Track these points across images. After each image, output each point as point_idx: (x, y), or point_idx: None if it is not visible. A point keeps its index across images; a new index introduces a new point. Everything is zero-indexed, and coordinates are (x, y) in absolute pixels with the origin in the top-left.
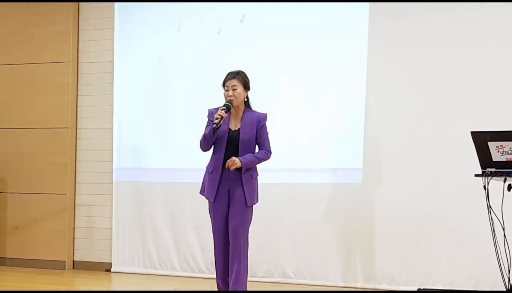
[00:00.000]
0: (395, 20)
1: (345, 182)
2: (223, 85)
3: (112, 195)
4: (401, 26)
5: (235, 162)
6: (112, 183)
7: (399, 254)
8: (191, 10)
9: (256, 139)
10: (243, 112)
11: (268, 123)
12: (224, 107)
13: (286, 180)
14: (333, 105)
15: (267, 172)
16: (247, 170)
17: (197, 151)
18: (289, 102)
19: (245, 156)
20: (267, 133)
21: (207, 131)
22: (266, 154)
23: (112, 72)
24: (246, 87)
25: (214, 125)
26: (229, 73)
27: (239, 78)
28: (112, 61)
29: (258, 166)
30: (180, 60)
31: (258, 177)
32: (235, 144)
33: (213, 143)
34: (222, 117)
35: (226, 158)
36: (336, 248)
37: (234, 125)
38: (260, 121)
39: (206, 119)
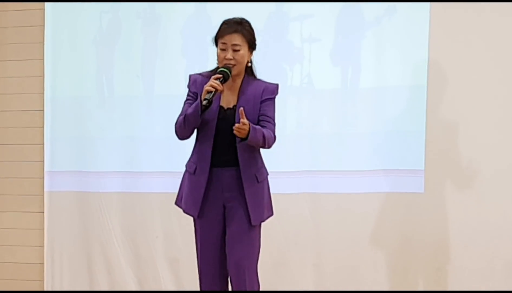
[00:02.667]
0: None
1: (398, 191)
2: (216, 40)
3: (43, 212)
4: None
5: (244, 124)
6: (43, 195)
7: None
8: None
9: (258, 119)
10: (242, 82)
11: (279, 100)
12: (220, 76)
13: (307, 187)
14: (379, 76)
15: (277, 176)
16: (249, 165)
17: (171, 144)
18: (311, 71)
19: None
20: (274, 112)
21: (190, 111)
22: (272, 139)
23: (42, 26)
24: (252, 46)
25: (204, 102)
26: (228, 24)
27: (244, 33)
28: (42, 9)
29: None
30: (143, 5)
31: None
32: (228, 130)
33: (198, 129)
34: (216, 90)
35: (216, 151)
36: (383, 288)
37: (227, 101)
38: (265, 93)
39: (186, 91)
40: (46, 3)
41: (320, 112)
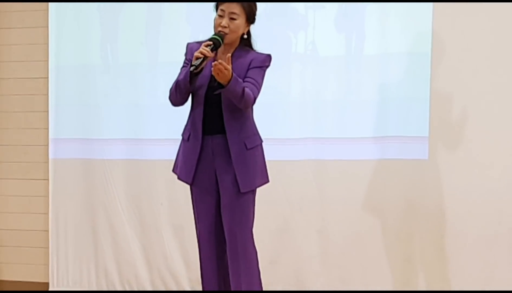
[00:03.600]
0: None
1: (401, 157)
2: (216, 7)
3: (47, 179)
4: None
5: (222, 65)
6: (47, 162)
7: (483, 266)
8: None
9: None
10: (234, 52)
11: (283, 67)
12: (211, 43)
13: (311, 154)
14: (383, 43)
15: (281, 143)
16: (237, 131)
17: (176, 111)
18: (315, 38)
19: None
20: (261, 79)
21: (180, 77)
22: (251, 100)
23: None
24: (250, 18)
25: (192, 68)
26: None
27: (243, 4)
28: None
29: (265, 133)
30: None
31: (263, 146)
32: (216, 100)
33: (192, 96)
34: (205, 57)
35: (207, 118)
36: (387, 256)
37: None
38: (254, 62)
39: (183, 59)
40: None
41: (324, 79)
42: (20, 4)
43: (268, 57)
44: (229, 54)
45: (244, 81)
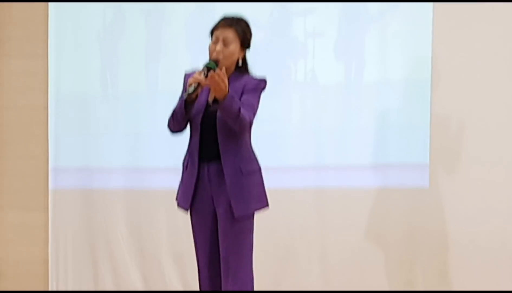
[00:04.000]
0: None
1: (402, 185)
2: (211, 34)
3: (47, 209)
4: None
5: (219, 76)
6: (47, 191)
7: None
8: None
9: None
10: (229, 78)
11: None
12: (205, 69)
13: (312, 182)
14: (383, 70)
15: (281, 171)
16: (231, 156)
17: (176, 140)
18: (315, 66)
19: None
20: (255, 102)
21: (177, 105)
22: (246, 123)
23: (46, 22)
24: (245, 44)
25: (185, 96)
26: (224, 18)
27: (237, 28)
28: (46, 5)
29: (265, 161)
30: (148, 4)
31: (262, 172)
32: (212, 126)
33: (190, 123)
34: (199, 83)
35: (203, 145)
36: (389, 284)
37: (214, 96)
38: (248, 85)
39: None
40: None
41: (324, 107)
42: (19, 32)
43: (262, 80)
44: (224, 67)
45: (242, 100)
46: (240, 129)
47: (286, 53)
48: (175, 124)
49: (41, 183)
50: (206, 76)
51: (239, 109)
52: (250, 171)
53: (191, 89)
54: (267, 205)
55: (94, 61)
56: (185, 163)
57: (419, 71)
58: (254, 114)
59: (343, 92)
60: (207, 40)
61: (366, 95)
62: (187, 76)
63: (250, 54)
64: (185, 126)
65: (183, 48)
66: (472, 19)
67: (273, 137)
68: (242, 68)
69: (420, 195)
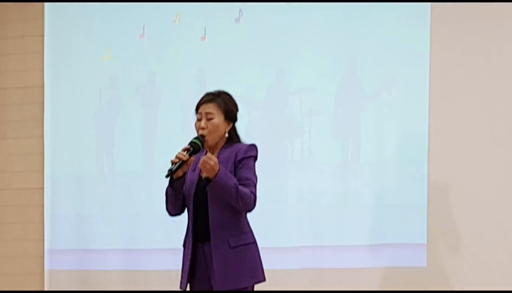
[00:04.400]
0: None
1: (400, 265)
2: (196, 111)
3: (43, 291)
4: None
5: (210, 161)
6: (43, 273)
7: None
8: (161, 8)
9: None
10: (221, 149)
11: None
12: (189, 147)
13: (309, 263)
14: (379, 149)
15: (278, 251)
16: (220, 229)
17: (172, 221)
18: (311, 145)
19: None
20: (251, 172)
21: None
22: (249, 195)
23: (42, 103)
24: (229, 117)
25: (166, 174)
26: (205, 94)
27: (219, 102)
28: (42, 86)
29: (262, 241)
30: (143, 80)
31: (257, 246)
32: (204, 201)
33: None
34: (181, 160)
35: (197, 223)
36: None
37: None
38: (239, 154)
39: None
40: (45, 80)
41: (321, 186)
42: (15, 113)
43: (252, 146)
44: (211, 144)
45: (237, 173)
46: (244, 206)
47: (283, 132)
48: (169, 205)
49: (37, 264)
50: (191, 154)
51: (235, 184)
52: (241, 245)
53: (173, 167)
54: (263, 279)
55: (90, 142)
56: (183, 243)
57: (416, 150)
58: (255, 186)
59: (340, 171)
60: None
61: (363, 174)
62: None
63: (246, 132)
64: (182, 208)
65: (179, 128)
66: (468, 97)
67: (269, 217)
68: (234, 140)
69: (418, 274)
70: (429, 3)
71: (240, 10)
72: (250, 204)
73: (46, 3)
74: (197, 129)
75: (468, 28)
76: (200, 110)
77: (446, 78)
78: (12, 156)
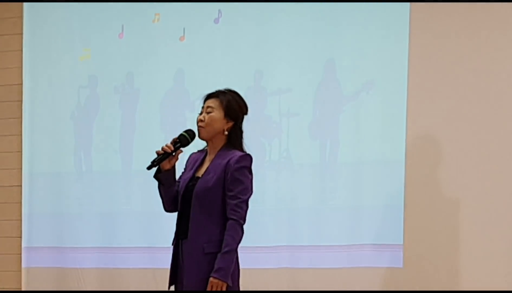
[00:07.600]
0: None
1: (377, 266)
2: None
3: (20, 288)
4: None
5: (218, 285)
6: (20, 271)
7: None
8: (140, 7)
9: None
10: (219, 151)
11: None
12: (177, 139)
13: (286, 262)
14: (356, 150)
15: (257, 251)
16: (197, 235)
17: (150, 219)
18: (289, 146)
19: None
20: (240, 185)
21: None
22: (235, 228)
23: (20, 101)
24: (229, 114)
25: (148, 165)
26: (215, 91)
27: (221, 99)
28: (20, 84)
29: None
30: (122, 79)
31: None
32: (189, 199)
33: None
34: (166, 153)
35: (182, 221)
36: None
37: (201, 170)
38: (229, 166)
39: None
40: (24, 78)
41: (299, 187)
42: None
43: (244, 156)
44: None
45: (227, 187)
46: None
47: (261, 133)
48: (163, 201)
49: (14, 261)
50: (178, 147)
51: (230, 247)
52: (216, 252)
53: (156, 158)
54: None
55: (68, 140)
56: (172, 242)
57: (394, 152)
58: (244, 201)
59: (317, 172)
60: (182, 120)
61: (341, 175)
62: (191, 158)
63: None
64: (174, 204)
65: (157, 127)
66: (447, 97)
67: (247, 216)
68: (234, 143)
69: (394, 275)
70: (408, 3)
71: (219, 11)
72: (242, 234)
73: (25, 3)
74: (197, 121)
75: (447, 29)
76: (203, 105)
77: (424, 80)
78: None
